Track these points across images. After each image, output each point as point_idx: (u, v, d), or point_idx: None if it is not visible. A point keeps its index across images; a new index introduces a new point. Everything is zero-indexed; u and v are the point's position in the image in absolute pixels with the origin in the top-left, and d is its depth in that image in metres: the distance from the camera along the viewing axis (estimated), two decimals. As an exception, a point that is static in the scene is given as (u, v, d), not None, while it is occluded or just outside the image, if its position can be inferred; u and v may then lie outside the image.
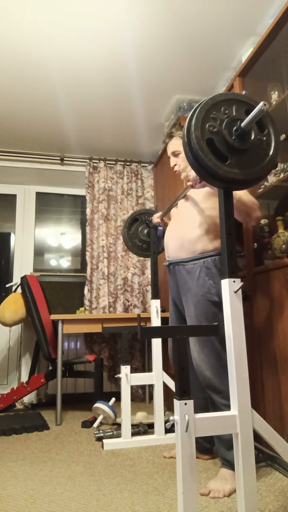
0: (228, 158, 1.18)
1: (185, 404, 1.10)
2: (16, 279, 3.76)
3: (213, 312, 1.69)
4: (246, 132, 1.20)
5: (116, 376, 2.37)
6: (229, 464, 1.58)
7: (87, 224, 3.65)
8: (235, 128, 1.19)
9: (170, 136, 1.97)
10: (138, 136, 3.46)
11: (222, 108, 1.21)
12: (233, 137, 1.19)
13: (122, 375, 2.22)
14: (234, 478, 1.55)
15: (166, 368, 2.60)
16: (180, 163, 1.95)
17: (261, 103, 1.10)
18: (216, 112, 1.20)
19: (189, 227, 1.81)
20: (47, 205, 4.11)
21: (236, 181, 1.18)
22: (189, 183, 1.69)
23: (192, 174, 1.64)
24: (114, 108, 3.01)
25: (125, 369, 2.22)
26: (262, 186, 2.04)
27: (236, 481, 1.14)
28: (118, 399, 2.79)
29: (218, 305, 1.69)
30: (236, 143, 1.18)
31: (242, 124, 1.17)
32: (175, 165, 1.98)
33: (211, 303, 1.70)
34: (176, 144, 1.94)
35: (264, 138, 1.24)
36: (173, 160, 1.98)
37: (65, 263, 4.12)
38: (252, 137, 1.21)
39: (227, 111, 1.22)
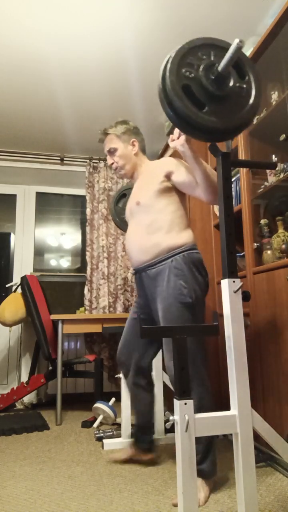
0: (205, 105, 1.08)
1: (185, 404, 1.10)
2: (16, 279, 3.76)
3: (187, 317, 1.53)
4: (224, 76, 1.09)
5: (116, 376, 2.37)
6: (202, 474, 1.50)
7: (87, 224, 3.65)
8: (212, 72, 1.09)
9: (105, 133, 1.84)
10: (138, 136, 3.46)
11: (199, 53, 1.12)
12: (210, 82, 1.09)
13: (122, 375, 2.22)
14: (206, 485, 1.50)
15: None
16: (117, 160, 1.81)
17: (236, 40, 1.00)
18: (192, 57, 1.11)
19: (149, 231, 1.65)
20: (47, 205, 4.11)
21: (215, 130, 1.09)
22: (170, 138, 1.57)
23: (176, 132, 1.51)
24: (114, 108, 3.01)
25: (125, 369, 2.22)
26: (262, 186, 2.04)
27: (236, 481, 1.14)
28: (118, 399, 2.79)
29: (192, 307, 1.54)
30: (214, 89, 1.09)
31: (219, 67, 1.08)
32: (112, 163, 1.83)
33: (184, 306, 1.53)
34: (112, 141, 1.81)
35: (244, 85, 1.15)
36: (109, 159, 1.84)
37: (65, 263, 4.12)
38: (231, 83, 1.12)
39: (204, 57, 1.12)
